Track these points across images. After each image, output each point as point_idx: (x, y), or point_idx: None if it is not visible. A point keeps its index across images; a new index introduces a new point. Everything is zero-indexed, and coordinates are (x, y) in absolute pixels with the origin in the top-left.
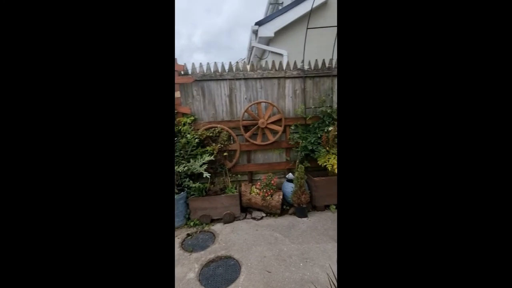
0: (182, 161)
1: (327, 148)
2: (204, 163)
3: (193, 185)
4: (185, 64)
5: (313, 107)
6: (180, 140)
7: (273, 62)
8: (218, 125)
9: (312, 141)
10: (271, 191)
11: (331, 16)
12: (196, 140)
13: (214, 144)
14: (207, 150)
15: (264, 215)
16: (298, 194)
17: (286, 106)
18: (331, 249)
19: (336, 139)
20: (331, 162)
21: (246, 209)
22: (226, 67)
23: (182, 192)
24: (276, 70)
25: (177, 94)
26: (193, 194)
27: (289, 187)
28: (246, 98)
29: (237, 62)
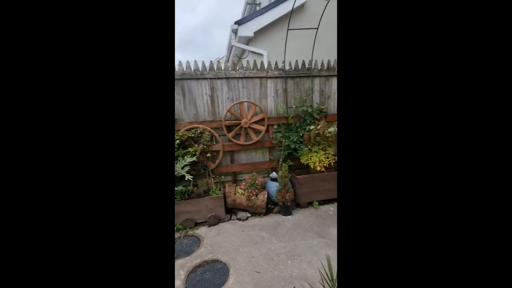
0: None
1: (309, 146)
2: (186, 165)
3: (175, 189)
4: None
5: (294, 106)
6: None
7: (255, 61)
8: (200, 126)
9: (295, 140)
10: (256, 190)
11: (308, 19)
12: (177, 141)
13: (196, 145)
14: (189, 152)
15: (249, 215)
16: (282, 193)
17: (268, 106)
18: (317, 244)
19: (317, 138)
20: (313, 160)
21: (231, 210)
22: (207, 66)
23: None
24: (258, 70)
25: None
26: (175, 198)
27: (273, 186)
28: (228, 98)
29: (218, 61)
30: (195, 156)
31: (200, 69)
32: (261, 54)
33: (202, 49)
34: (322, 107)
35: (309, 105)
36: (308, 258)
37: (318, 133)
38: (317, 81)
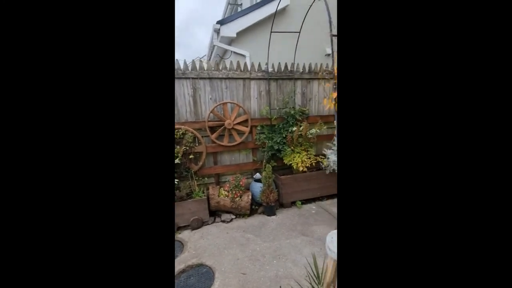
0: None
1: (292, 147)
2: None
3: None
4: None
5: (277, 108)
6: None
7: (238, 62)
8: (182, 127)
9: (278, 141)
10: (240, 192)
11: (289, 23)
12: None
13: (178, 147)
14: None
15: (233, 217)
16: (266, 193)
17: (252, 107)
18: (300, 243)
19: (299, 139)
20: (296, 160)
21: (215, 213)
22: (189, 65)
23: None
24: (241, 71)
25: None
26: None
27: (257, 187)
28: (211, 98)
29: (200, 60)
30: (177, 158)
31: (182, 68)
32: (243, 55)
33: (182, 48)
34: (304, 109)
35: (291, 107)
36: (293, 257)
37: (301, 134)
38: (299, 83)
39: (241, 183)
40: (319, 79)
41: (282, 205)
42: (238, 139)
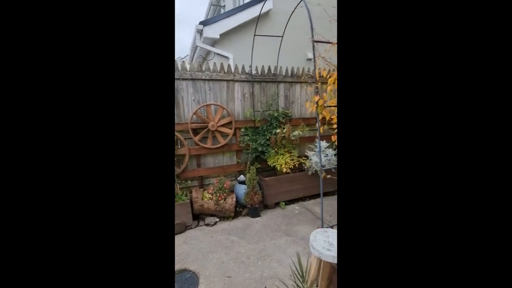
0: None
1: (276, 149)
2: None
3: None
4: None
5: (261, 110)
6: None
7: (222, 64)
8: None
9: (262, 143)
10: (225, 194)
11: (272, 26)
12: None
13: None
14: None
15: (218, 220)
16: (251, 195)
17: (236, 109)
18: (285, 243)
19: (283, 141)
20: (280, 162)
21: (199, 216)
22: None
23: None
24: (225, 72)
25: None
26: None
27: (241, 189)
28: (194, 100)
29: (183, 61)
30: None
31: None
32: (227, 57)
33: None
34: (287, 111)
35: (275, 109)
36: (277, 257)
37: (284, 136)
38: (282, 86)
39: (225, 185)
40: (301, 82)
41: (266, 207)
42: (222, 141)
